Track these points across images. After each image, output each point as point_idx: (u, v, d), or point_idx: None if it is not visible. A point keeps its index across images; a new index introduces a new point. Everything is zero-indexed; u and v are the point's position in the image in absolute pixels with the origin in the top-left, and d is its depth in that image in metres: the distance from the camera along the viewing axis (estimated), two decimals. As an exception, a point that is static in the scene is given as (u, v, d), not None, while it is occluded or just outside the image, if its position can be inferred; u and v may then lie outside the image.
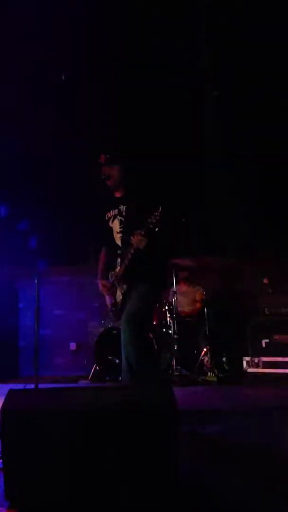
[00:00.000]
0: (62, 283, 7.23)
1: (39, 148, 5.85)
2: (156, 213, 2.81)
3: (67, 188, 6.11)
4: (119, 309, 3.22)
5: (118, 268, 3.14)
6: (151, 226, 2.84)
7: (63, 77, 4.33)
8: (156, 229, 2.84)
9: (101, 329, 5.67)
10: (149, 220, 2.83)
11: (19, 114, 5.27)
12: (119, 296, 3.18)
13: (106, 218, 3.25)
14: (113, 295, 3.24)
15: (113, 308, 3.28)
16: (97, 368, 5.43)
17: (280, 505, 1.77)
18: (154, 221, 2.82)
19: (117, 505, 1.82)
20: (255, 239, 6.38)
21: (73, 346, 6.96)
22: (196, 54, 4.80)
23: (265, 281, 5.68)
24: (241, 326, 5.40)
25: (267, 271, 5.83)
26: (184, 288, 6.02)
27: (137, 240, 2.94)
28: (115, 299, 3.23)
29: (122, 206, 3.15)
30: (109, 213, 3.25)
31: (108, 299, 3.32)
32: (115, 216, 3.21)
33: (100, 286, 3.31)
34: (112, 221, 3.22)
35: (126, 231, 3.07)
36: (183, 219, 6.21)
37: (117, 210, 3.20)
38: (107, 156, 3.22)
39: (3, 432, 1.85)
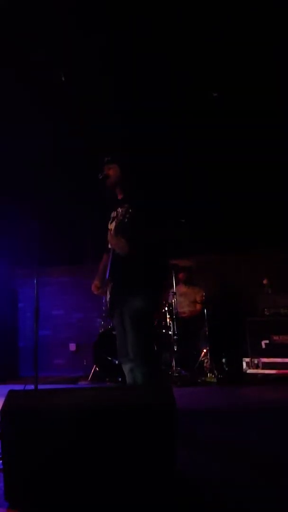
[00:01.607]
0: (61, 283, 7.25)
1: (39, 149, 5.85)
2: (126, 206, 2.92)
3: (67, 189, 6.11)
4: (108, 309, 3.24)
5: (108, 270, 3.14)
6: (124, 220, 2.91)
7: (62, 77, 4.32)
8: (126, 220, 2.91)
9: (101, 330, 5.67)
10: (122, 215, 2.91)
11: (21, 116, 5.26)
12: (107, 296, 3.20)
13: (110, 220, 3.26)
14: (104, 294, 3.25)
15: (105, 308, 3.30)
16: (97, 368, 5.43)
17: (278, 504, 1.77)
18: (124, 214, 2.89)
19: (116, 504, 1.82)
20: (255, 239, 6.38)
21: (72, 346, 6.96)
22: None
23: (265, 281, 5.69)
24: (240, 327, 5.41)
25: (267, 271, 5.84)
26: (183, 289, 6.03)
27: (109, 237, 2.98)
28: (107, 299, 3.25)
29: (119, 208, 3.15)
30: (111, 215, 3.26)
31: (103, 299, 3.34)
32: (113, 218, 3.21)
33: (92, 286, 3.33)
34: (111, 223, 3.22)
35: (116, 233, 3.07)
36: (182, 220, 6.22)
37: (115, 212, 3.20)
38: (107, 156, 3.23)
39: (3, 433, 1.85)
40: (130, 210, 2.98)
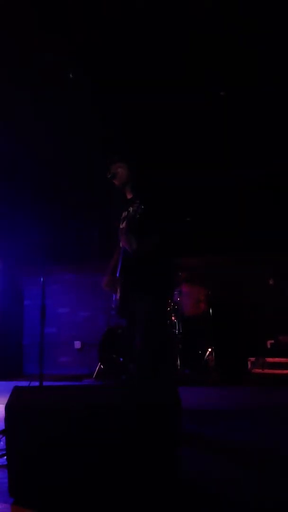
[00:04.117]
0: (67, 281, 7.26)
1: (43, 148, 5.86)
2: (137, 203, 2.94)
3: (73, 188, 6.12)
4: (119, 306, 3.25)
5: (118, 268, 3.14)
6: (135, 216, 2.93)
7: (71, 75, 4.32)
8: (137, 216, 2.92)
9: (106, 328, 5.68)
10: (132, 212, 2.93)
11: (27, 115, 5.28)
12: (118, 294, 3.21)
13: (120, 219, 3.27)
14: (114, 292, 3.26)
15: (116, 306, 3.30)
16: (102, 366, 5.44)
17: (280, 505, 1.77)
18: (136, 210, 2.91)
19: (119, 501, 1.82)
20: (262, 239, 6.37)
21: (77, 344, 6.98)
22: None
23: (271, 281, 5.67)
24: (246, 327, 5.39)
25: (273, 272, 5.82)
26: (187, 288, 6.02)
27: (121, 235, 3.00)
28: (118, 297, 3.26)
29: (130, 208, 3.15)
30: (122, 215, 3.27)
31: (114, 296, 3.34)
32: (124, 218, 3.21)
33: (103, 283, 3.33)
34: (122, 223, 3.23)
35: (127, 230, 3.07)
36: (188, 219, 6.22)
37: (126, 212, 3.20)
38: (115, 155, 3.23)
39: (7, 429, 1.86)
40: (142, 207, 2.98)
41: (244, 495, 1.87)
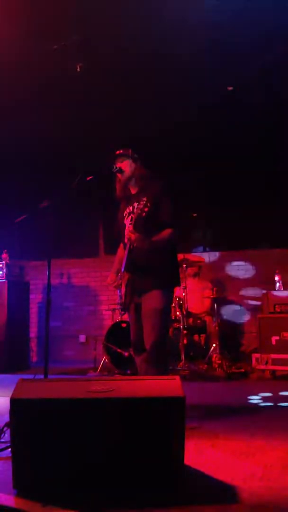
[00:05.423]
0: (72, 275, 7.28)
1: (49, 141, 5.87)
2: (144, 201, 2.98)
3: (79, 183, 6.12)
4: (123, 302, 3.25)
5: (124, 264, 3.14)
6: (141, 214, 2.96)
7: (78, 69, 4.32)
8: (143, 214, 2.95)
9: (111, 322, 5.69)
10: (140, 208, 2.95)
11: (31, 110, 5.29)
12: (123, 289, 3.22)
13: (124, 215, 3.26)
14: (119, 288, 3.26)
15: (121, 301, 3.32)
16: (106, 360, 5.46)
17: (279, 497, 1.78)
18: (142, 208, 2.93)
19: (124, 493, 1.83)
20: (267, 235, 6.34)
21: (82, 338, 7.01)
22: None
23: (276, 277, 5.66)
24: (251, 323, 5.37)
25: (279, 267, 5.80)
26: (193, 284, 6.02)
27: (128, 232, 3.00)
28: (123, 292, 3.27)
29: (135, 203, 3.15)
30: (126, 210, 3.26)
31: (119, 292, 3.36)
32: (129, 214, 3.21)
33: (108, 279, 3.34)
34: (126, 218, 3.23)
35: (135, 228, 3.07)
36: (194, 215, 6.21)
37: (131, 207, 3.20)
38: (122, 149, 3.23)
39: (12, 421, 1.87)
40: (149, 205, 2.99)
41: (245, 486, 1.88)
